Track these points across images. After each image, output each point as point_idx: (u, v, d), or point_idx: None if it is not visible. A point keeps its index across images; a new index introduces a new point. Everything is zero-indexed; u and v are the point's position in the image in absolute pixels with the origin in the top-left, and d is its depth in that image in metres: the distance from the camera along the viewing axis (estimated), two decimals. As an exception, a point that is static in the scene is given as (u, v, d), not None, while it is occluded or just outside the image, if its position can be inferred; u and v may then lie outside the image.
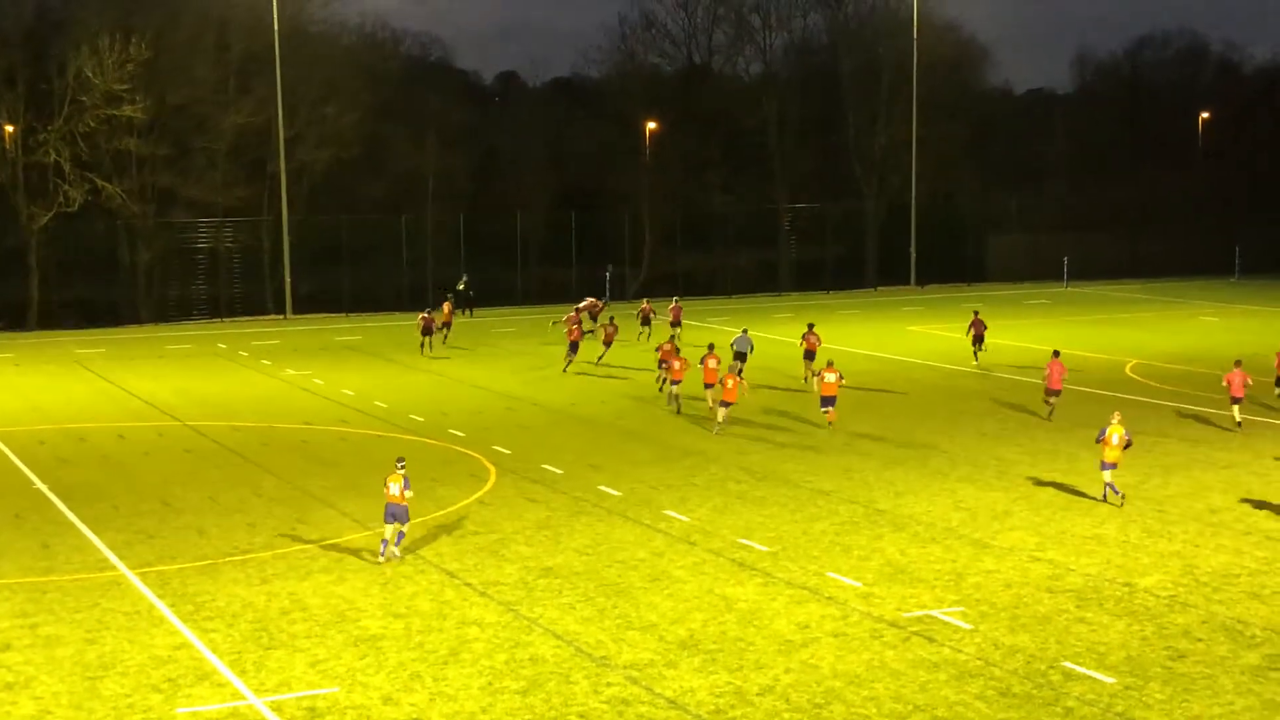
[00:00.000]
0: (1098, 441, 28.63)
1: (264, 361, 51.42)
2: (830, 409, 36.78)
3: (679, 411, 38.96)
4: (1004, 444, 34.74)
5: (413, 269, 74.20)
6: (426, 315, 53.47)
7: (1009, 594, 22.82)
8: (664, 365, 40.92)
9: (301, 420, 39.00)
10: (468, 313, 66.51)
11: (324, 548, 25.66)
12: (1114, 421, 28.42)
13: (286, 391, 44.55)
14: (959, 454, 33.55)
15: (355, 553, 25.26)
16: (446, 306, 56.11)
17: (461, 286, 67.20)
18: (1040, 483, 30.55)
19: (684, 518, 27.72)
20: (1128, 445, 28.29)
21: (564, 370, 47.16)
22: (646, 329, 55.10)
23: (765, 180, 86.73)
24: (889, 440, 35.44)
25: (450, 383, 46.17)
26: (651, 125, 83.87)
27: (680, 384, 39.26)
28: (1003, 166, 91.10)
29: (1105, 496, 28.63)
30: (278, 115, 67.90)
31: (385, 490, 24.53)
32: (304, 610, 22.16)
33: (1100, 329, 59.10)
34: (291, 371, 48.73)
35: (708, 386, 38.53)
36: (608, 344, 48.77)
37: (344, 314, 68.99)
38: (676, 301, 55.72)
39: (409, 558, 24.84)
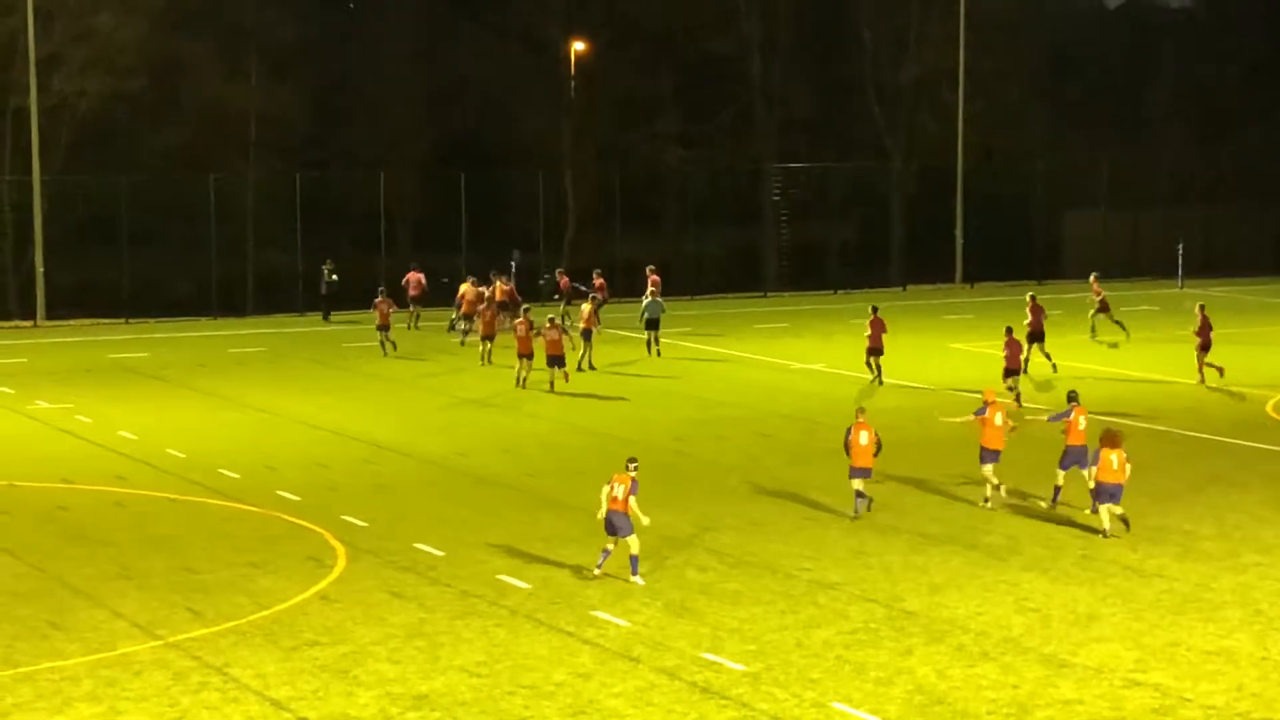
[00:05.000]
0: (847, 443, 34.13)
1: (2, 389, 51.10)
2: (559, 371, 48.73)
3: None
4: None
5: (228, 253, 73.72)
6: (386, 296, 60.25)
7: (1096, 734, 22.93)
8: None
9: (58, 477, 38.75)
10: (326, 317, 67.87)
11: (89, 665, 25.39)
12: (859, 419, 34.56)
13: (35, 433, 44.35)
14: (1024, 530, 33.65)
15: (137, 672, 25.04)
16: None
17: (333, 276, 67.77)
18: (1142, 573, 30.74)
19: (622, 621, 27.68)
20: (878, 450, 34.44)
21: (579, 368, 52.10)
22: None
23: (743, 130, 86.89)
24: (923, 510, 35.56)
25: (281, 422, 45.98)
26: (578, 47, 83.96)
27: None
28: (1088, 112, 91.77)
29: (859, 511, 34.39)
30: (28, 26, 67.42)
31: (609, 491, 29.61)
32: (59, 758, 21.97)
33: (1231, 349, 59.48)
34: (44, 404, 48.45)
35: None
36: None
37: (122, 319, 68.59)
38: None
39: (214, 679, 24.63)
